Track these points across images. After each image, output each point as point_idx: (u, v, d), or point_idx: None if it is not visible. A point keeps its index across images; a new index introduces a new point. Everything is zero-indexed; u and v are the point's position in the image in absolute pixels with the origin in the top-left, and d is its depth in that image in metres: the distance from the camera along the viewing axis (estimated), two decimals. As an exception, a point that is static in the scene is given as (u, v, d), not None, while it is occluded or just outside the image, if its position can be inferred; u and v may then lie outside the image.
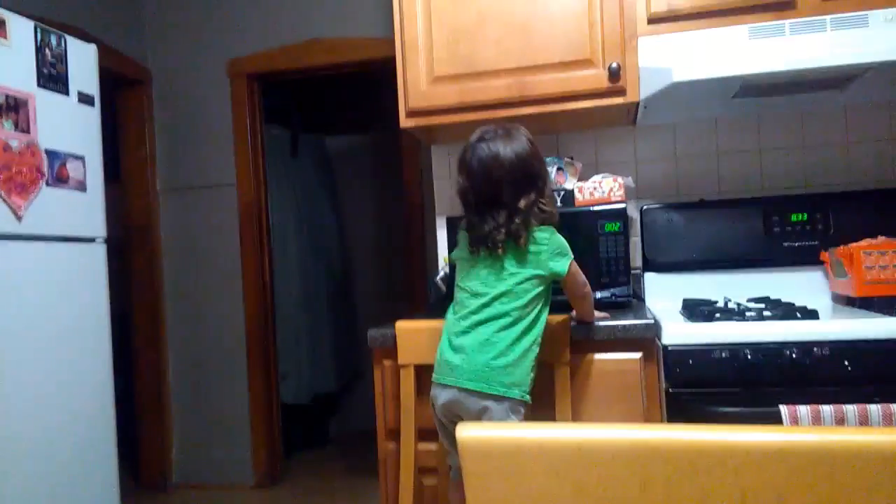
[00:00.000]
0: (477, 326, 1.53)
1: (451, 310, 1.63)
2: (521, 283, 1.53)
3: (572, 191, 2.04)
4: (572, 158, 2.23)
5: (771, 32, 1.86)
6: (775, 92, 2.04)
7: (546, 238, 1.55)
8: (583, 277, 1.63)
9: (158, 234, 3.55)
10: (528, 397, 1.52)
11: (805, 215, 2.16)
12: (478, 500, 0.65)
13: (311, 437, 4.31)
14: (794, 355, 1.54)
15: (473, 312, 1.54)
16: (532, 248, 1.53)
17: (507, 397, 1.50)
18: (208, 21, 3.46)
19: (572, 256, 1.58)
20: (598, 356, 1.71)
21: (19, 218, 2.01)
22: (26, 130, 2.05)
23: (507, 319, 1.52)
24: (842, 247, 1.96)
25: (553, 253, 1.55)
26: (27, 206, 2.03)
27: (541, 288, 1.55)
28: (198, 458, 3.54)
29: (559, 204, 2.03)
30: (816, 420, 1.47)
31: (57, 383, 2.10)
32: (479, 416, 1.52)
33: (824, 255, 2.08)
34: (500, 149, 1.54)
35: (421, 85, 2.16)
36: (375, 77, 3.33)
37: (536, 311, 1.55)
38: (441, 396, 1.56)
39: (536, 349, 1.55)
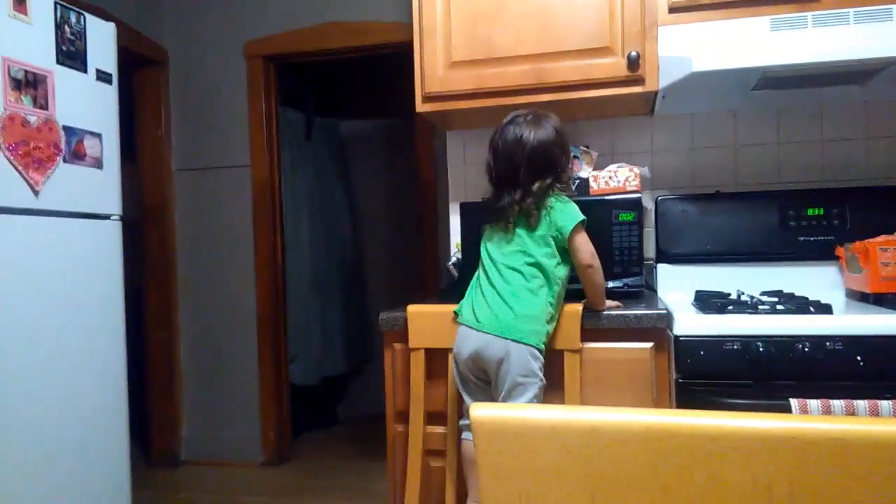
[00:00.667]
0: (497, 283, 1.67)
1: (477, 273, 1.76)
2: (535, 244, 1.65)
3: (587, 180, 2.03)
4: (588, 147, 2.22)
5: (793, 24, 1.84)
6: (795, 85, 2.02)
7: (561, 203, 1.67)
8: (590, 247, 1.67)
9: (173, 213, 3.57)
10: (542, 345, 1.63)
11: (821, 210, 2.15)
12: (490, 479, 0.65)
13: (320, 419, 4.34)
14: (806, 349, 1.54)
15: (492, 271, 1.69)
16: (545, 213, 1.66)
17: (525, 343, 1.61)
18: (226, 2, 3.46)
19: (584, 222, 1.66)
20: (610, 345, 1.71)
21: (37, 193, 2.03)
22: (45, 107, 2.06)
23: (521, 278, 1.65)
24: (857, 242, 1.94)
25: (562, 212, 1.66)
26: (44, 181, 2.05)
27: (550, 248, 1.66)
28: (207, 435, 3.57)
29: (574, 192, 2.02)
30: (827, 414, 1.47)
31: (70, 359, 2.13)
32: (501, 362, 1.62)
33: (839, 251, 2.07)
34: (525, 133, 1.67)
35: (438, 70, 2.16)
36: (391, 61, 3.33)
37: (551, 268, 1.65)
38: (467, 345, 1.66)
39: (552, 304, 1.66)
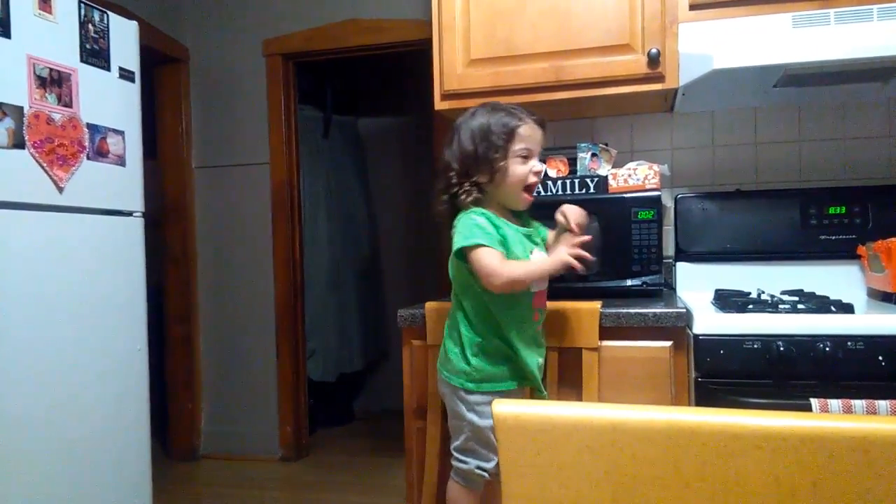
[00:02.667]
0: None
1: None
2: (454, 265, 1.55)
3: (606, 177, 2.03)
4: (607, 145, 2.22)
5: (815, 21, 1.83)
6: (817, 82, 2.00)
7: (461, 217, 1.51)
8: (487, 266, 1.44)
9: (193, 210, 3.61)
10: (470, 385, 1.53)
11: (843, 208, 2.13)
12: (511, 475, 0.66)
13: (336, 415, 4.36)
14: (827, 349, 1.53)
15: None
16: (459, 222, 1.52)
17: (450, 384, 1.57)
18: (246, 1, 3.48)
19: (479, 242, 1.44)
20: (628, 343, 1.71)
21: (61, 190, 2.06)
22: (69, 104, 2.09)
23: (453, 306, 1.60)
24: (880, 241, 1.93)
25: (457, 231, 1.50)
26: (68, 178, 2.08)
27: (459, 272, 1.54)
28: (226, 430, 3.61)
29: (592, 190, 2.02)
30: (848, 414, 1.46)
31: (92, 353, 2.16)
32: (443, 401, 1.61)
33: (861, 250, 2.05)
34: (458, 123, 1.56)
35: (457, 67, 2.16)
36: (409, 59, 3.33)
37: (461, 295, 1.56)
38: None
39: (469, 336, 1.53)
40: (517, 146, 1.49)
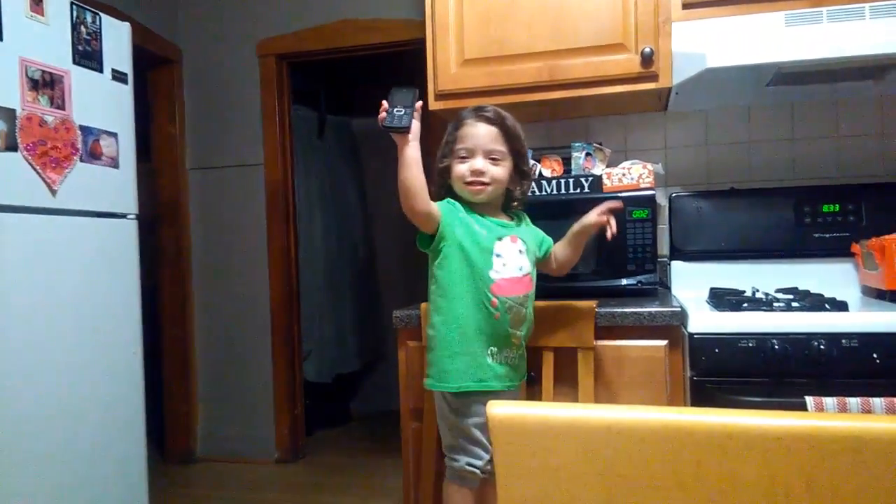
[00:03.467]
0: None
1: None
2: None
3: (600, 176, 2.03)
4: (601, 144, 2.22)
5: (808, 19, 1.83)
6: (810, 80, 2.01)
7: None
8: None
9: (187, 211, 3.60)
10: (430, 382, 1.56)
11: (837, 206, 2.14)
12: (507, 476, 0.66)
13: (333, 416, 4.36)
14: (821, 347, 1.53)
15: None
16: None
17: (430, 388, 1.59)
18: (240, 1, 3.47)
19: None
20: (623, 342, 1.71)
21: (54, 192, 2.05)
22: (61, 107, 2.08)
23: None
24: (874, 239, 1.93)
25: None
26: (62, 181, 2.07)
27: (428, 265, 1.59)
28: (222, 433, 3.60)
29: (586, 189, 2.02)
30: (843, 412, 1.46)
31: (87, 357, 2.15)
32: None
33: (855, 247, 2.05)
34: None
35: (451, 67, 2.16)
36: (403, 59, 3.33)
37: (431, 290, 1.59)
38: None
39: (429, 332, 1.57)
40: (458, 146, 1.57)
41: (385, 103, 1.46)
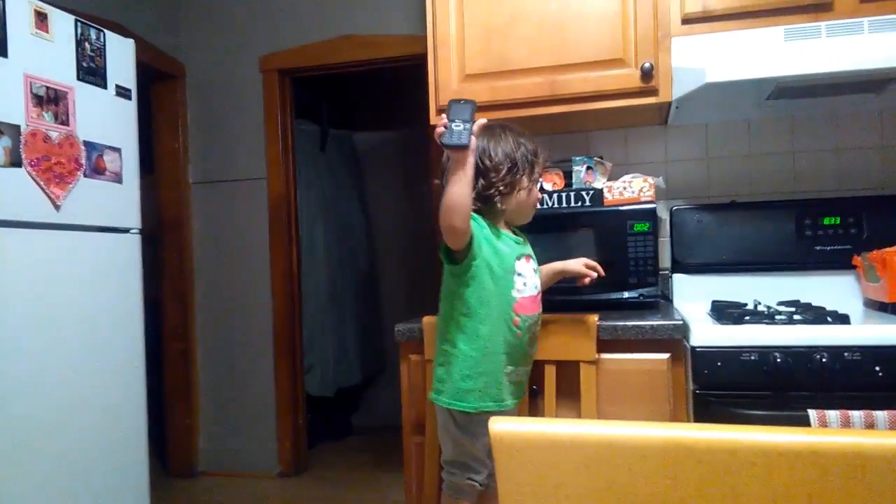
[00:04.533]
0: None
1: None
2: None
3: (601, 190, 2.04)
4: (602, 158, 2.23)
5: (807, 34, 1.84)
6: (810, 94, 2.02)
7: None
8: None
9: (190, 226, 3.61)
10: (443, 399, 1.53)
11: (838, 219, 2.14)
12: (509, 493, 0.66)
13: (335, 430, 4.35)
14: (824, 360, 1.53)
15: None
16: None
17: (436, 403, 1.57)
18: (242, 17, 3.50)
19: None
20: (625, 356, 1.71)
21: (57, 207, 2.06)
22: (66, 122, 2.09)
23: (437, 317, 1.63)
24: (875, 251, 1.94)
25: None
26: (65, 196, 2.08)
27: (445, 277, 1.55)
28: (224, 446, 3.59)
29: (587, 203, 2.03)
30: (846, 426, 1.46)
31: (90, 370, 2.15)
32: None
33: (857, 260, 2.06)
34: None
35: (452, 82, 2.18)
36: (405, 73, 3.35)
37: (442, 302, 1.57)
38: None
39: (445, 348, 1.54)
40: (536, 174, 1.59)
41: (443, 118, 1.39)
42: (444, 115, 1.38)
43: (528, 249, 1.62)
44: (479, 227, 1.50)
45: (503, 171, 1.51)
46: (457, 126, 1.36)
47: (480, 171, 1.50)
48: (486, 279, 1.49)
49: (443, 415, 1.57)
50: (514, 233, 1.64)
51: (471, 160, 1.39)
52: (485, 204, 1.53)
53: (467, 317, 1.51)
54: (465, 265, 1.49)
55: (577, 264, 1.74)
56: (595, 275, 1.72)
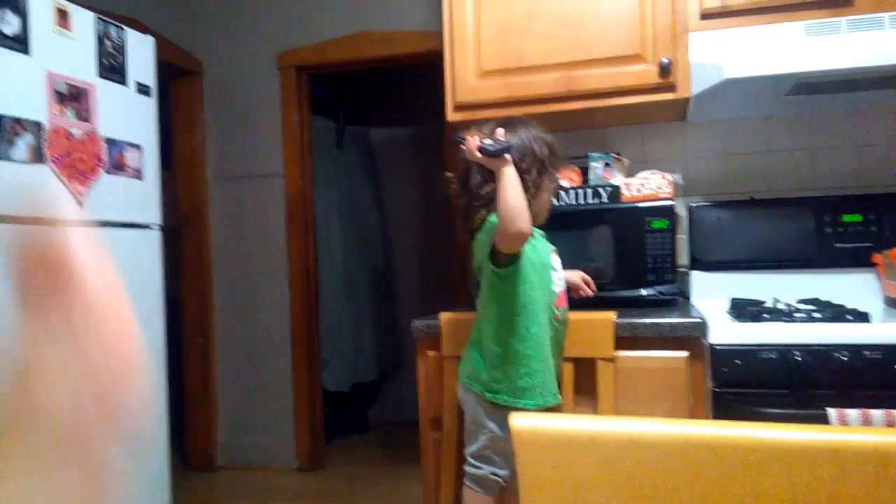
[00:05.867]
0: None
1: None
2: (478, 273, 1.59)
3: (619, 187, 2.03)
4: (619, 154, 2.22)
5: (827, 29, 1.83)
6: (830, 90, 2.00)
7: (485, 223, 1.53)
8: (500, 217, 1.43)
9: (208, 221, 3.64)
10: (488, 395, 1.54)
11: (858, 216, 2.12)
12: (529, 489, 0.67)
13: (351, 425, 4.37)
14: (843, 358, 1.52)
15: None
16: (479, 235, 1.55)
17: (472, 390, 1.58)
18: (260, 13, 3.52)
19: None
20: (644, 353, 1.70)
21: (80, 204, 2.09)
22: (87, 119, 2.12)
23: (477, 314, 1.63)
24: (895, 249, 1.92)
25: (485, 230, 1.52)
26: (87, 192, 2.11)
27: (487, 278, 1.55)
28: (243, 440, 3.63)
29: (605, 200, 2.03)
30: (866, 424, 1.45)
31: (112, 364, 2.18)
32: (464, 404, 1.63)
33: (877, 257, 2.04)
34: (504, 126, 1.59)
35: (469, 79, 2.18)
36: (421, 69, 3.35)
37: (486, 300, 1.56)
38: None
39: (490, 345, 1.55)
40: (556, 174, 1.62)
41: (473, 134, 1.46)
42: (472, 132, 1.46)
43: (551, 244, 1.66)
44: None
45: (534, 174, 1.53)
46: (488, 141, 1.43)
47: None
48: (533, 277, 1.52)
49: (482, 410, 1.57)
50: None
51: (511, 166, 1.43)
52: None
53: (519, 315, 1.52)
54: (515, 266, 1.50)
55: (576, 276, 1.80)
56: (590, 292, 1.80)
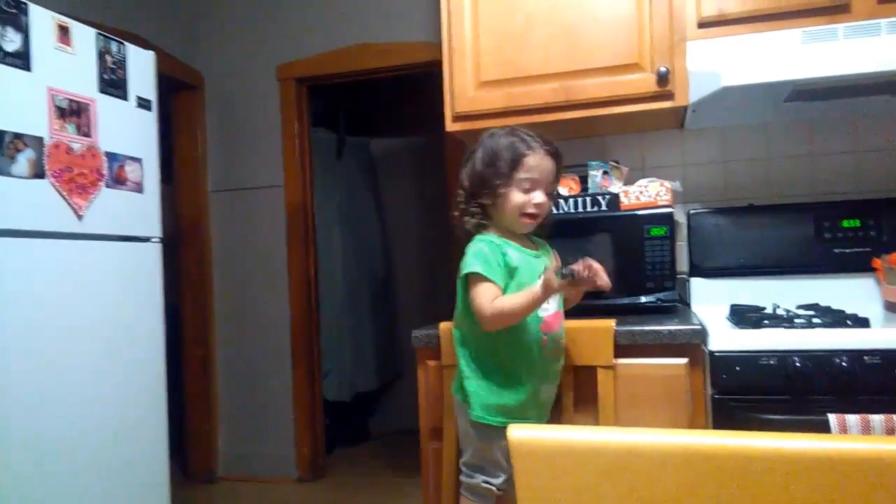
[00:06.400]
0: None
1: None
2: (459, 287, 1.56)
3: (618, 195, 2.04)
4: (618, 162, 2.23)
5: (824, 37, 1.84)
6: (828, 96, 2.00)
7: (471, 243, 1.54)
8: (475, 303, 1.46)
9: (209, 233, 3.65)
10: (473, 413, 1.53)
11: (857, 221, 2.12)
12: (528, 499, 0.67)
13: (352, 435, 4.37)
14: (843, 364, 1.52)
15: None
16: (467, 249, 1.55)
17: (459, 401, 1.59)
18: (260, 26, 3.54)
19: (476, 271, 1.47)
20: (644, 361, 1.70)
21: (80, 217, 2.09)
22: (87, 134, 2.13)
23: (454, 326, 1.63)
24: (895, 254, 1.92)
25: (465, 256, 1.52)
26: (88, 206, 2.12)
27: (461, 293, 1.55)
28: (243, 451, 3.62)
29: (604, 208, 2.03)
30: (866, 430, 1.45)
31: (113, 376, 2.18)
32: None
33: (876, 262, 2.04)
34: (477, 144, 1.58)
35: (468, 90, 2.19)
36: (420, 80, 3.37)
37: (468, 322, 1.55)
38: None
39: (468, 361, 1.56)
40: (521, 175, 1.49)
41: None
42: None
43: (547, 260, 1.61)
44: (502, 254, 1.50)
45: (485, 172, 1.52)
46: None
47: (468, 177, 1.56)
48: None
49: (465, 420, 1.58)
50: (534, 241, 1.64)
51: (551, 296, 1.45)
52: (482, 219, 1.56)
53: (493, 337, 1.52)
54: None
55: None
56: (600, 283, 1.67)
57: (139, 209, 2.32)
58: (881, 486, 0.58)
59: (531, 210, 1.51)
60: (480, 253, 1.49)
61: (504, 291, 1.49)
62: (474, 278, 1.48)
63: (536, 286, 1.42)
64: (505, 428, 1.47)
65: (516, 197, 1.50)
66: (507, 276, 1.50)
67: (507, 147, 1.50)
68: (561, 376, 1.64)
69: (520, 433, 0.68)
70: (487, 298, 1.45)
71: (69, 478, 2.01)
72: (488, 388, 1.53)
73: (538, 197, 1.51)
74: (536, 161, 1.50)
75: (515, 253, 1.53)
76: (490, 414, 1.52)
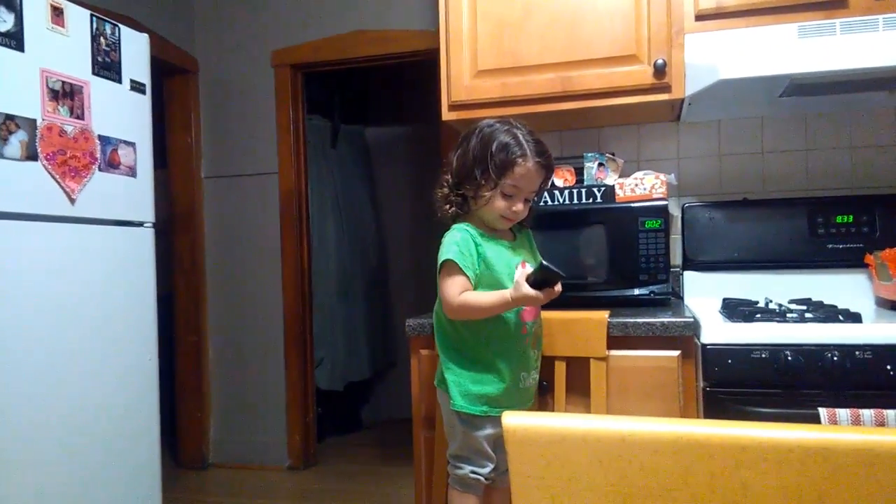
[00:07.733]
0: None
1: None
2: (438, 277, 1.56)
3: (613, 187, 2.04)
4: (614, 154, 2.23)
5: (821, 31, 1.83)
6: (824, 91, 2.01)
7: (448, 232, 1.56)
8: (443, 292, 1.50)
9: (202, 219, 3.63)
10: (455, 403, 1.54)
11: (851, 217, 2.13)
12: (521, 486, 0.67)
13: (344, 423, 4.37)
14: (835, 358, 1.53)
15: None
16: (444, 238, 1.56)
17: (440, 390, 1.62)
18: (255, 12, 3.52)
19: (449, 258, 1.49)
20: (636, 353, 1.71)
21: (73, 201, 2.08)
22: (81, 117, 2.11)
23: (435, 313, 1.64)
24: (887, 250, 1.93)
25: (441, 246, 1.54)
26: (80, 189, 2.10)
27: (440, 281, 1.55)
28: (235, 439, 3.62)
29: (599, 199, 2.03)
30: (856, 424, 1.46)
31: (104, 362, 2.18)
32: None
33: (869, 258, 2.05)
34: (470, 131, 1.57)
35: (464, 78, 2.18)
36: (416, 69, 3.35)
37: (437, 311, 1.58)
38: None
39: (448, 349, 1.58)
40: (507, 181, 1.48)
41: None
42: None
43: (524, 253, 1.61)
44: (475, 245, 1.51)
45: (474, 168, 1.51)
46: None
47: (457, 165, 1.56)
48: (489, 290, 1.51)
49: (448, 411, 1.59)
50: (513, 231, 1.64)
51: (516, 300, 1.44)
52: (460, 209, 1.57)
53: (473, 326, 1.53)
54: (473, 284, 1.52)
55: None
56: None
57: (132, 194, 2.31)
58: (872, 476, 0.59)
59: (507, 215, 1.53)
60: (454, 242, 1.51)
61: (477, 282, 1.51)
62: (446, 266, 1.50)
63: (508, 293, 1.44)
64: (488, 417, 1.51)
65: (496, 201, 1.51)
66: (481, 266, 1.51)
67: (501, 148, 1.48)
68: (540, 363, 1.64)
69: (514, 420, 0.68)
70: (455, 289, 1.47)
71: (59, 463, 2.01)
72: (469, 378, 1.54)
73: (517, 205, 1.52)
74: (526, 171, 1.48)
75: (490, 244, 1.54)
76: (472, 403, 1.53)
